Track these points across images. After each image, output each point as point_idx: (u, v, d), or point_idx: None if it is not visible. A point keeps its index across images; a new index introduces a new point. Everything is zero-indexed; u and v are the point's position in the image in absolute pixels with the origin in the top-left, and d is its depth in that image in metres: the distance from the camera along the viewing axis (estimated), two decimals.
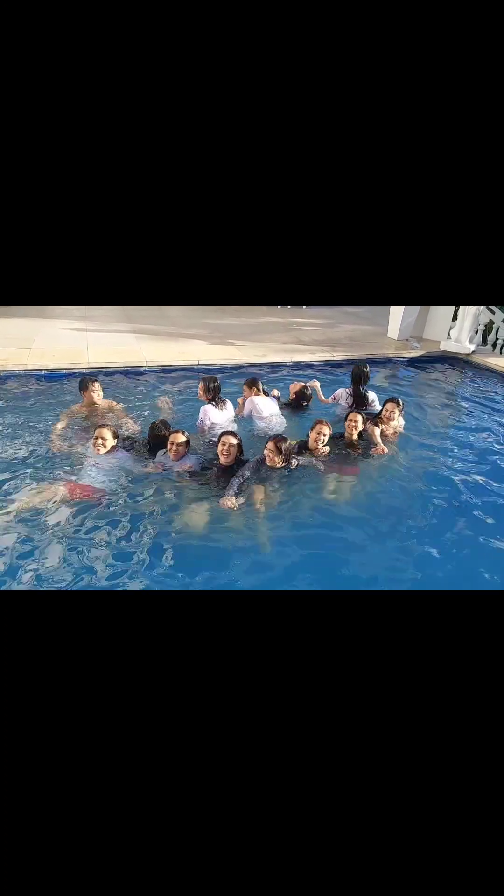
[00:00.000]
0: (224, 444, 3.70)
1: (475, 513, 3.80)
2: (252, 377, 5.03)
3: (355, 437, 4.37)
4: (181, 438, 3.79)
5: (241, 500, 3.49)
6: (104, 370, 6.01)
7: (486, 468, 4.51)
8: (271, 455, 3.65)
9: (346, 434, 4.39)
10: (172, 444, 3.76)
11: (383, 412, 4.79)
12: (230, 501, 3.42)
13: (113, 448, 3.79)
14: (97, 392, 4.60)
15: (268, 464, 3.69)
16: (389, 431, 4.78)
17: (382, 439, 4.53)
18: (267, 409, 4.78)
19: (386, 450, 4.45)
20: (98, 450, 3.72)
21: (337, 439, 4.32)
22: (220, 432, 3.96)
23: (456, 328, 8.11)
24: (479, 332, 8.41)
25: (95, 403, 4.62)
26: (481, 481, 4.26)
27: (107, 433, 3.75)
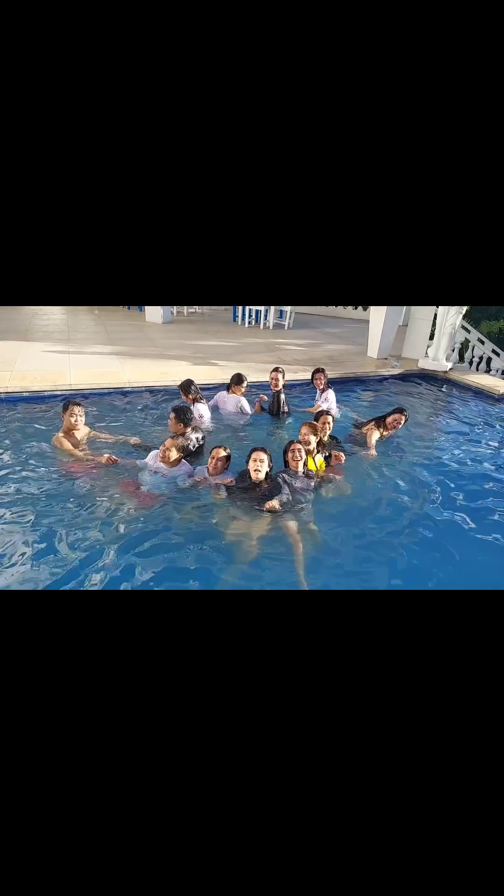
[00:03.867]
0: (255, 461, 3.60)
1: (459, 516, 3.88)
2: (236, 374, 5.74)
3: (325, 437, 4.51)
4: (222, 453, 3.86)
5: (285, 499, 3.54)
6: (86, 392, 6.02)
7: (469, 477, 4.60)
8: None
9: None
10: (214, 458, 3.84)
11: (390, 420, 5.01)
12: (276, 503, 3.42)
13: (178, 460, 3.92)
14: (76, 417, 4.31)
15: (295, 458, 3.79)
16: (386, 434, 5.00)
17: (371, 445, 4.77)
18: (229, 405, 5.65)
19: (374, 454, 4.69)
20: (166, 460, 3.87)
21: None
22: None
23: (433, 347, 8.30)
24: (456, 350, 8.63)
25: (75, 429, 4.34)
26: (466, 487, 4.34)
27: (173, 446, 3.90)
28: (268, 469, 3.63)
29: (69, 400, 4.49)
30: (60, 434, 4.35)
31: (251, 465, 3.59)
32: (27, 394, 5.78)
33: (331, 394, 5.90)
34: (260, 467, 3.56)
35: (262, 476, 3.59)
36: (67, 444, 4.27)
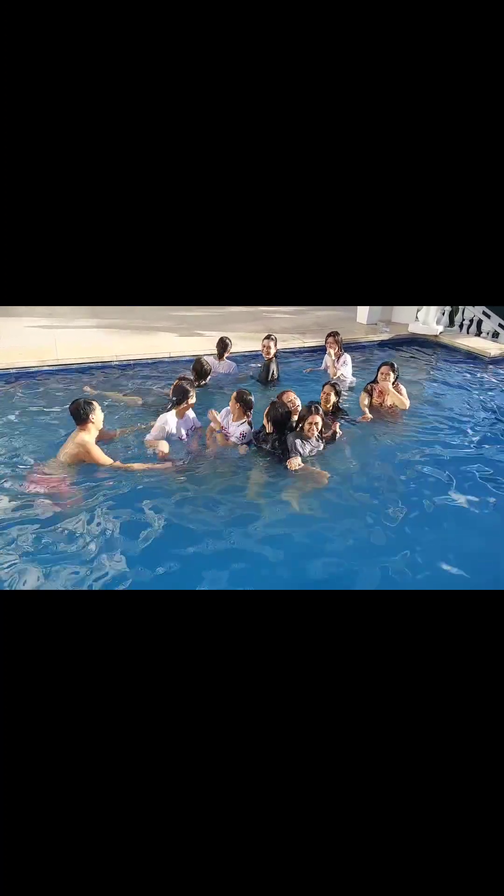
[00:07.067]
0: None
1: (459, 494, 3.86)
2: (220, 339, 5.80)
3: (329, 408, 4.54)
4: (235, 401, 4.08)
5: (299, 461, 3.72)
6: (73, 367, 5.91)
7: (464, 446, 4.60)
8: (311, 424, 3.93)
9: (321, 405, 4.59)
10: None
11: (378, 376, 4.94)
12: (297, 461, 3.69)
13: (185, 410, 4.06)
14: (97, 412, 3.61)
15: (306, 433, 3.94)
16: (388, 402, 4.90)
17: (382, 414, 4.77)
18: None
19: (370, 417, 4.68)
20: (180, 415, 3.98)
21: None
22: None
23: (423, 311, 8.22)
24: (446, 314, 8.55)
25: (98, 427, 3.64)
26: (463, 457, 4.34)
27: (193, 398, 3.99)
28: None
29: (82, 399, 3.58)
30: (90, 440, 3.52)
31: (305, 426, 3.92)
32: (13, 370, 5.67)
33: (348, 358, 5.81)
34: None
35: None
36: (106, 458, 3.55)
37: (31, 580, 2.68)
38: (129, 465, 3.61)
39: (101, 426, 3.64)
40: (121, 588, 2.66)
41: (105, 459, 3.54)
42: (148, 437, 3.92)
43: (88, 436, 3.54)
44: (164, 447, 3.74)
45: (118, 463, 3.59)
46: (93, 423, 3.56)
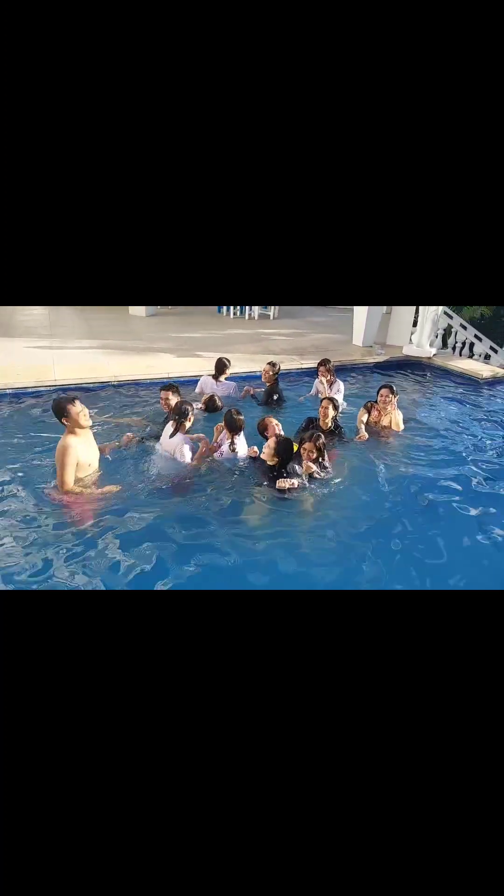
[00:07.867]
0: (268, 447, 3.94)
1: (454, 510, 3.89)
2: (218, 359, 5.90)
3: (328, 423, 4.56)
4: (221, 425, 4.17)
5: (294, 481, 3.73)
6: (72, 387, 5.94)
7: (459, 464, 4.62)
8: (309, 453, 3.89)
9: (319, 422, 4.61)
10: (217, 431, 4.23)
11: (378, 398, 4.99)
12: (288, 482, 3.68)
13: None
14: (82, 410, 3.42)
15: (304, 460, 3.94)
16: (384, 422, 4.94)
17: (376, 432, 4.76)
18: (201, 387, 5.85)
19: (366, 436, 4.69)
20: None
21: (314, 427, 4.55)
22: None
23: (417, 333, 8.38)
24: (439, 336, 8.71)
25: (84, 427, 3.48)
26: (456, 477, 4.35)
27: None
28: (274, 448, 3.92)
29: (63, 397, 3.46)
30: (71, 446, 3.33)
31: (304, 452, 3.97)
32: (10, 391, 5.69)
33: (342, 385, 5.88)
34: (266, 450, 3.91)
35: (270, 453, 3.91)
36: (68, 481, 3.33)
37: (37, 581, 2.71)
38: (81, 490, 3.41)
39: (85, 423, 3.42)
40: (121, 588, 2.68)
41: (66, 482, 3.33)
42: (188, 462, 3.96)
43: (73, 439, 3.36)
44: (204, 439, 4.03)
45: (74, 488, 3.39)
46: (73, 415, 3.33)
